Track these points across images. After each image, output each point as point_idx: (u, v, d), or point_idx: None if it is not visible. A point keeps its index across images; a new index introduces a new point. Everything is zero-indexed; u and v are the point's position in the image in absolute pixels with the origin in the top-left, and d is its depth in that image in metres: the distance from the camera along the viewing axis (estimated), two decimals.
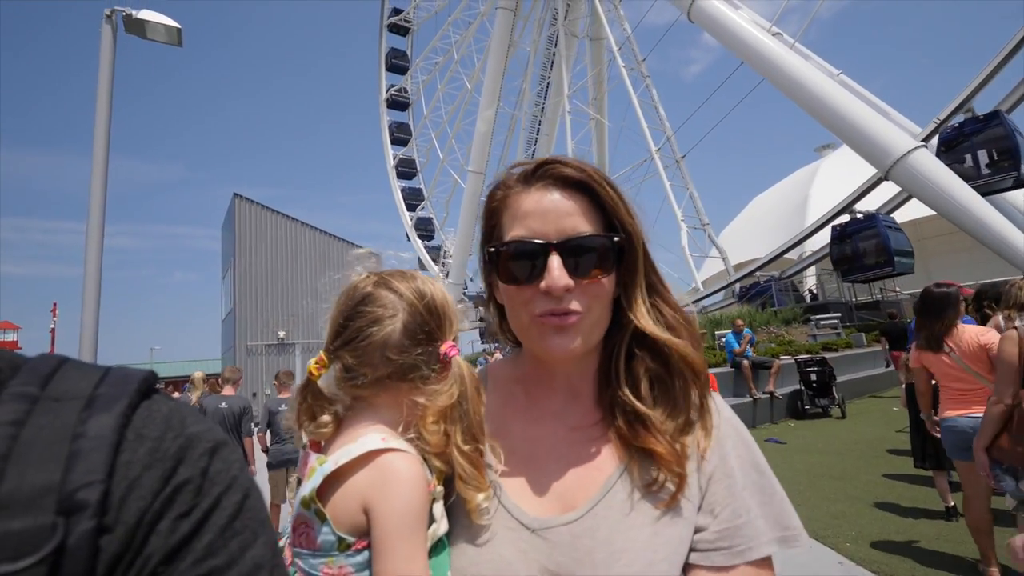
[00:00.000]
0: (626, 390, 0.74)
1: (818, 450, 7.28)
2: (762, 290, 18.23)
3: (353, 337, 0.76)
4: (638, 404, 0.72)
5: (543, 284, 0.69)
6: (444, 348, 0.78)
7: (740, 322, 10.87)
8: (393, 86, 38.40)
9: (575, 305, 0.70)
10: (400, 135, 38.23)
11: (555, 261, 0.69)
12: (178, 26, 6.18)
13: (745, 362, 9.88)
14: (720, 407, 0.77)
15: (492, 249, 0.74)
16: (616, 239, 0.71)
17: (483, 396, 0.77)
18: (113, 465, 0.36)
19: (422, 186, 38.29)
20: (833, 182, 23.67)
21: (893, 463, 6.17)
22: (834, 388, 9.73)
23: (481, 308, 0.92)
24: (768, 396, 9.74)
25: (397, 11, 37.74)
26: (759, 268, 19.02)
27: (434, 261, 34.96)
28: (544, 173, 0.72)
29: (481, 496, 0.70)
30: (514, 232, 0.72)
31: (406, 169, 37.91)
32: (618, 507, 0.69)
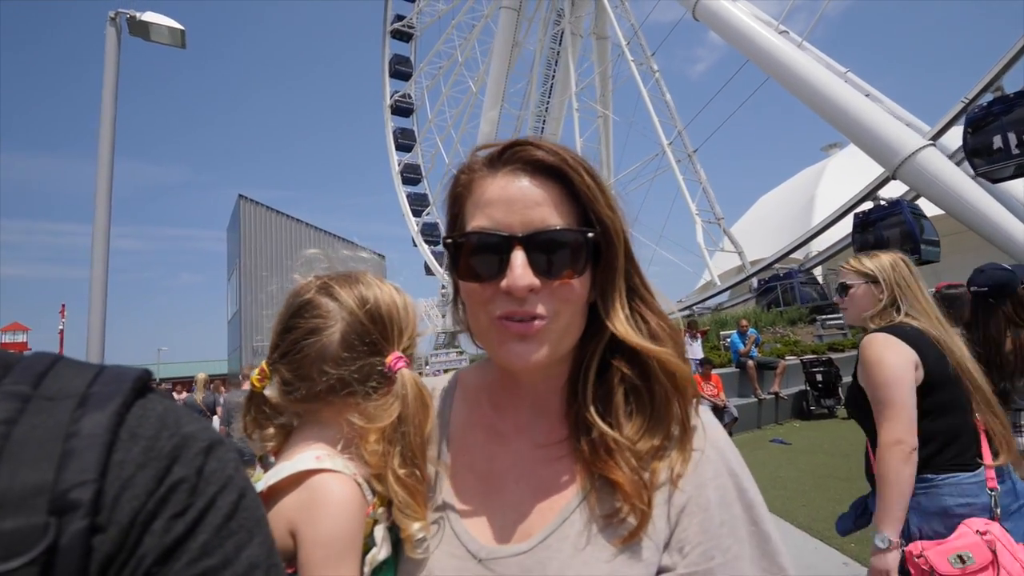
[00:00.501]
0: (591, 408, 0.65)
1: (824, 451, 7.23)
2: (773, 286, 17.77)
3: (289, 350, 0.71)
4: (601, 423, 0.64)
5: (504, 283, 0.61)
6: (389, 360, 0.71)
7: (745, 322, 10.82)
8: (397, 92, 38.64)
9: (540, 309, 0.61)
10: (404, 141, 38.44)
11: (519, 257, 0.60)
12: (181, 28, 6.21)
13: (750, 362, 9.82)
14: (707, 426, 0.67)
15: (450, 240, 0.66)
16: (591, 234, 0.62)
17: (430, 415, 0.71)
18: (106, 464, 0.36)
19: (427, 191, 38.38)
20: (840, 182, 23.48)
21: None
22: (840, 389, 9.65)
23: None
24: (773, 397, 9.67)
25: (400, 17, 38.01)
26: (764, 268, 18.88)
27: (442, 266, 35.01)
28: (513, 156, 0.63)
29: (417, 526, 0.64)
30: (476, 222, 0.63)
31: (411, 175, 38.06)
32: (573, 539, 0.61)
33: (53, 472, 0.34)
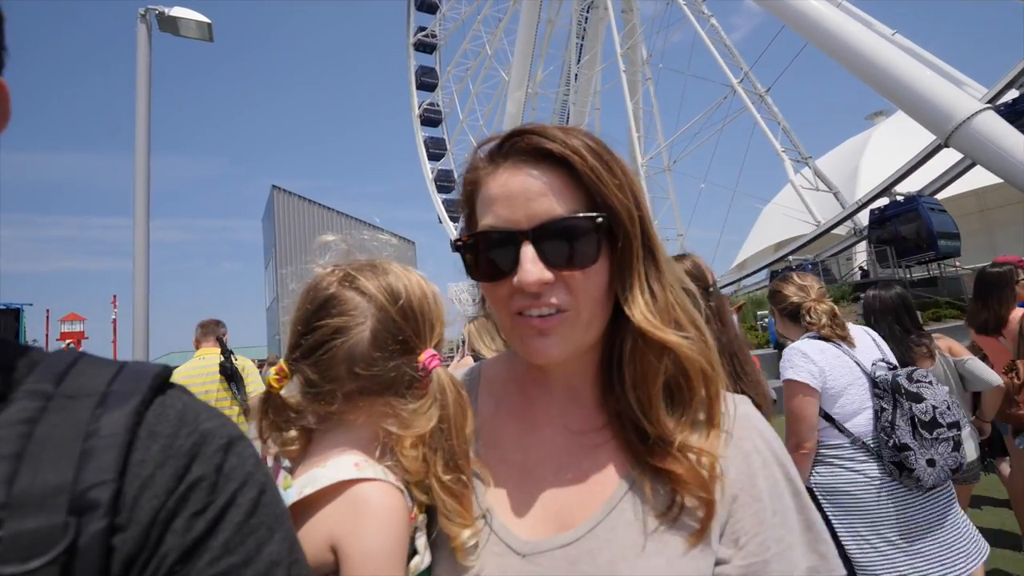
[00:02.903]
0: (630, 400, 0.62)
1: None
2: (891, 215, 16.51)
3: (314, 349, 0.66)
4: (642, 417, 0.62)
5: (515, 280, 0.59)
6: (423, 359, 0.66)
7: None
8: (425, 101, 39.29)
9: (555, 300, 0.60)
10: (435, 150, 39.06)
11: (527, 252, 0.59)
12: (208, 21, 6.36)
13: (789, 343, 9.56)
14: (750, 416, 0.66)
15: (459, 243, 0.64)
16: (600, 219, 0.59)
17: (470, 415, 0.67)
18: (125, 464, 0.36)
19: None
20: (886, 152, 22.33)
21: None
22: None
23: None
24: None
25: (422, 28, 38.66)
26: (805, 244, 18.20)
27: None
28: (512, 148, 0.62)
29: (467, 533, 0.61)
30: (484, 221, 0.62)
31: (445, 182, 38.53)
32: (624, 528, 0.59)
33: (72, 472, 0.34)
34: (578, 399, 0.69)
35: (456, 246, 0.66)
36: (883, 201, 16.52)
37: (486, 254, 0.63)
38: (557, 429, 0.68)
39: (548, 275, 0.59)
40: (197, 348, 4.06)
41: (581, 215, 0.60)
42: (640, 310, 0.61)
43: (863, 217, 17.11)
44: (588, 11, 27.49)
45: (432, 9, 38.59)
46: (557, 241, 0.59)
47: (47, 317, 27.00)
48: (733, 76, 19.77)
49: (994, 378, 2.83)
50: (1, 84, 0.41)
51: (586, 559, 0.58)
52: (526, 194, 0.60)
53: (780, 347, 9.82)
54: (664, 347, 0.61)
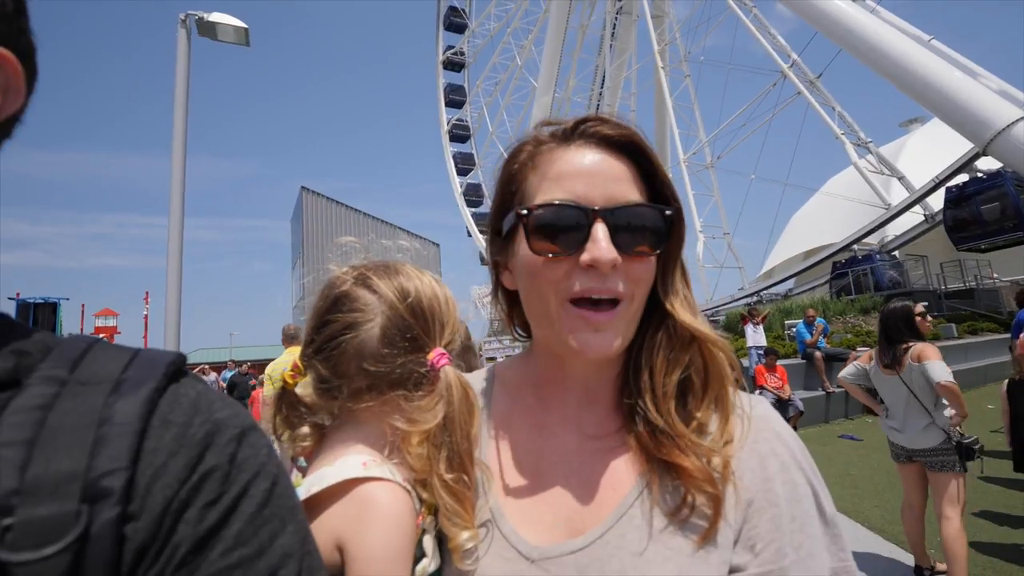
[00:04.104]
0: (647, 398, 0.63)
1: None
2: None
3: (325, 344, 0.67)
4: (658, 415, 0.62)
5: (585, 256, 0.58)
6: (432, 357, 0.67)
7: (812, 312, 10.25)
8: (453, 117, 40.31)
9: (620, 287, 0.60)
10: (464, 165, 40.01)
11: (601, 230, 0.58)
12: (245, 26, 6.55)
13: (818, 353, 9.31)
14: (768, 418, 0.65)
15: (524, 211, 0.61)
16: (668, 212, 0.62)
17: (476, 415, 0.67)
18: (138, 452, 0.35)
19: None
20: (922, 160, 21.62)
21: (986, 465, 5.60)
22: None
23: None
24: (843, 390, 9.14)
25: (450, 47, 39.79)
26: (834, 254, 17.70)
27: None
28: (585, 131, 0.63)
29: (466, 535, 0.60)
30: (550, 195, 0.61)
31: (474, 196, 39.37)
32: (636, 533, 0.58)
33: (86, 459, 0.34)
34: (594, 401, 0.69)
35: (518, 214, 0.62)
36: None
37: (553, 227, 0.60)
38: (571, 432, 0.68)
39: (618, 256, 0.59)
40: (287, 347, 5.26)
41: (657, 206, 0.62)
42: (680, 303, 0.64)
43: (932, 204, 15.96)
44: (619, 14, 27.37)
45: (460, 29, 39.62)
46: (629, 226, 0.60)
47: (82, 312, 27.93)
48: (782, 61, 19.08)
49: (939, 375, 3.25)
50: (10, 58, 0.40)
51: (596, 566, 0.57)
52: (604, 175, 0.61)
53: (808, 357, 9.60)
54: (693, 340, 0.63)
